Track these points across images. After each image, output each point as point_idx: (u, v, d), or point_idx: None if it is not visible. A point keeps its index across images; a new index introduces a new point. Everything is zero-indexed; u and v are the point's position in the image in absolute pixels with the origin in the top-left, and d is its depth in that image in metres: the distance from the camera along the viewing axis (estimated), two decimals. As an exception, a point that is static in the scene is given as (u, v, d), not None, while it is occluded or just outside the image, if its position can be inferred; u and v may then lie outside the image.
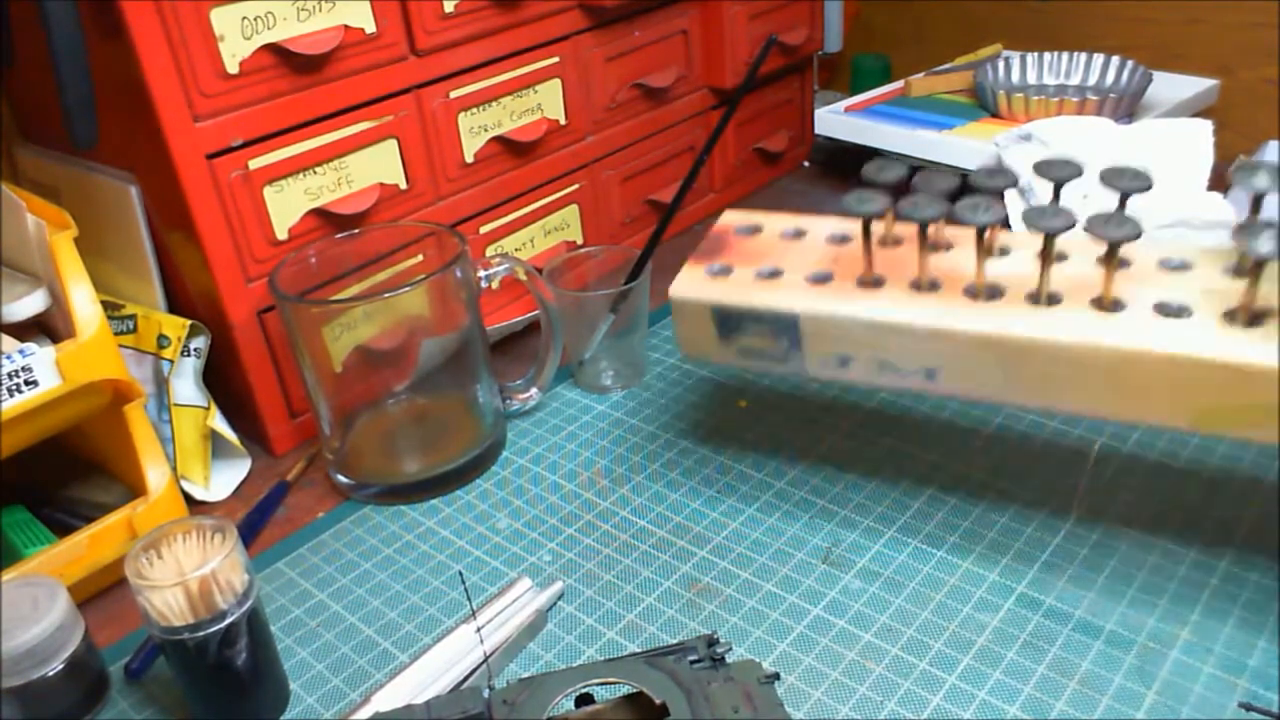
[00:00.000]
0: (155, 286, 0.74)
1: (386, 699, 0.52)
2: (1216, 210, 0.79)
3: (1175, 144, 0.83)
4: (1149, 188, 0.50)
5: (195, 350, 0.71)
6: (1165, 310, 0.48)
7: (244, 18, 0.65)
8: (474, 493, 0.70)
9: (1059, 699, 0.50)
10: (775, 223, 0.64)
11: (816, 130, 1.07)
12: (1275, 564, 0.57)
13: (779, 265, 0.58)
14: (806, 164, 1.19)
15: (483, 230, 0.85)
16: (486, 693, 0.45)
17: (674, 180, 0.99)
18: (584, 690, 0.46)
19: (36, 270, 0.65)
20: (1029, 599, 0.56)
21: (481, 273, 0.69)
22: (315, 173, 0.72)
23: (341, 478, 0.71)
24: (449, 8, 0.76)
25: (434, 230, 0.72)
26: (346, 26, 0.70)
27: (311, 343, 0.66)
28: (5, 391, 0.55)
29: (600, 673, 0.45)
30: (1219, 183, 0.82)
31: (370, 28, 0.71)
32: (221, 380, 0.74)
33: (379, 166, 0.75)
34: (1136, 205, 0.80)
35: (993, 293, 0.51)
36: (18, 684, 0.51)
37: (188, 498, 0.69)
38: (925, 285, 0.53)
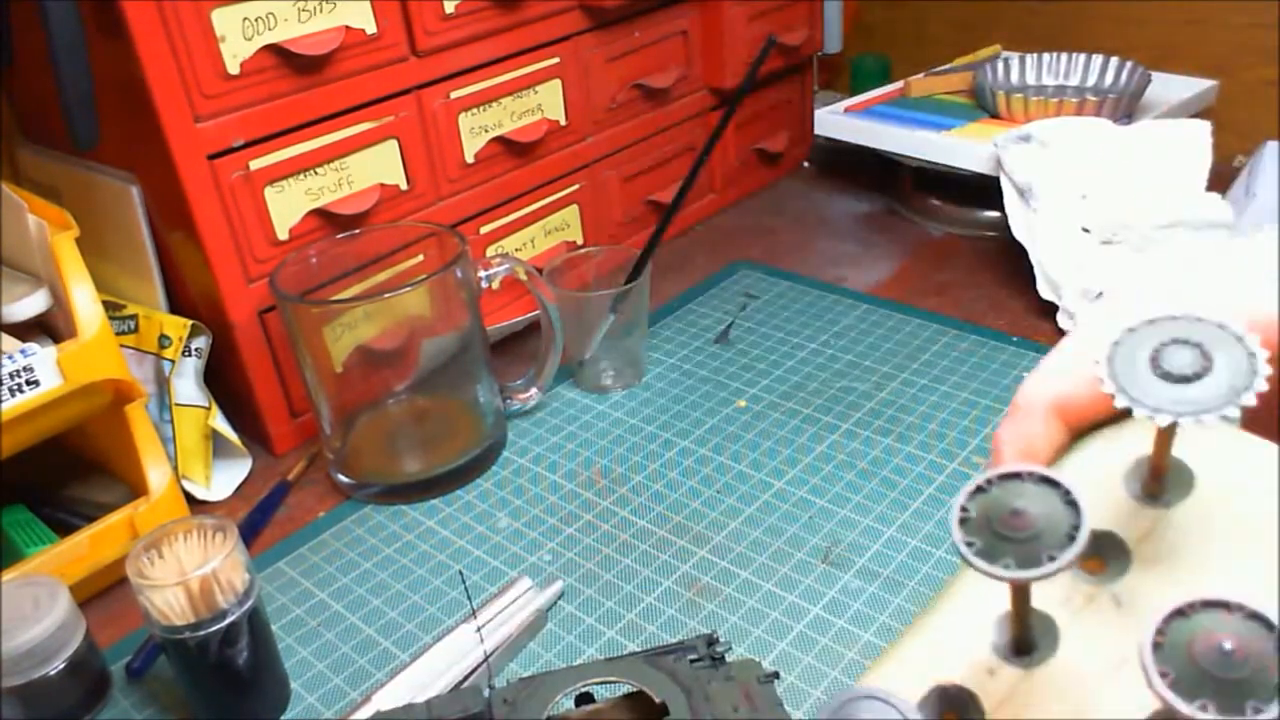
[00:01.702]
0: (156, 286, 0.74)
1: (387, 698, 0.53)
2: (1214, 211, 0.79)
3: (1173, 145, 0.83)
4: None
5: (196, 350, 0.71)
6: None
7: (245, 18, 0.65)
8: (474, 492, 0.70)
9: (1058, 698, 0.50)
10: None
11: (816, 131, 1.07)
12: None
13: None
14: (806, 164, 1.19)
15: (483, 230, 0.85)
16: (487, 692, 0.45)
17: (674, 180, 0.99)
18: (584, 689, 0.46)
19: (38, 270, 0.65)
20: (1028, 598, 0.56)
21: (482, 273, 0.69)
22: (316, 173, 0.72)
23: (342, 477, 0.71)
24: (449, 9, 0.76)
25: (434, 230, 0.72)
26: (347, 27, 0.70)
27: (312, 343, 0.66)
28: (7, 391, 0.56)
29: (600, 672, 0.45)
30: (1217, 183, 0.83)
31: (371, 28, 0.72)
32: (222, 380, 0.74)
33: (380, 167, 0.75)
34: (1135, 206, 0.81)
35: None
36: (19, 683, 0.51)
37: (189, 497, 0.69)
38: None
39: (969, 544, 0.21)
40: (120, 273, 0.76)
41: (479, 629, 0.56)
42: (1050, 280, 0.82)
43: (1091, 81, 1.05)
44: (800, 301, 0.89)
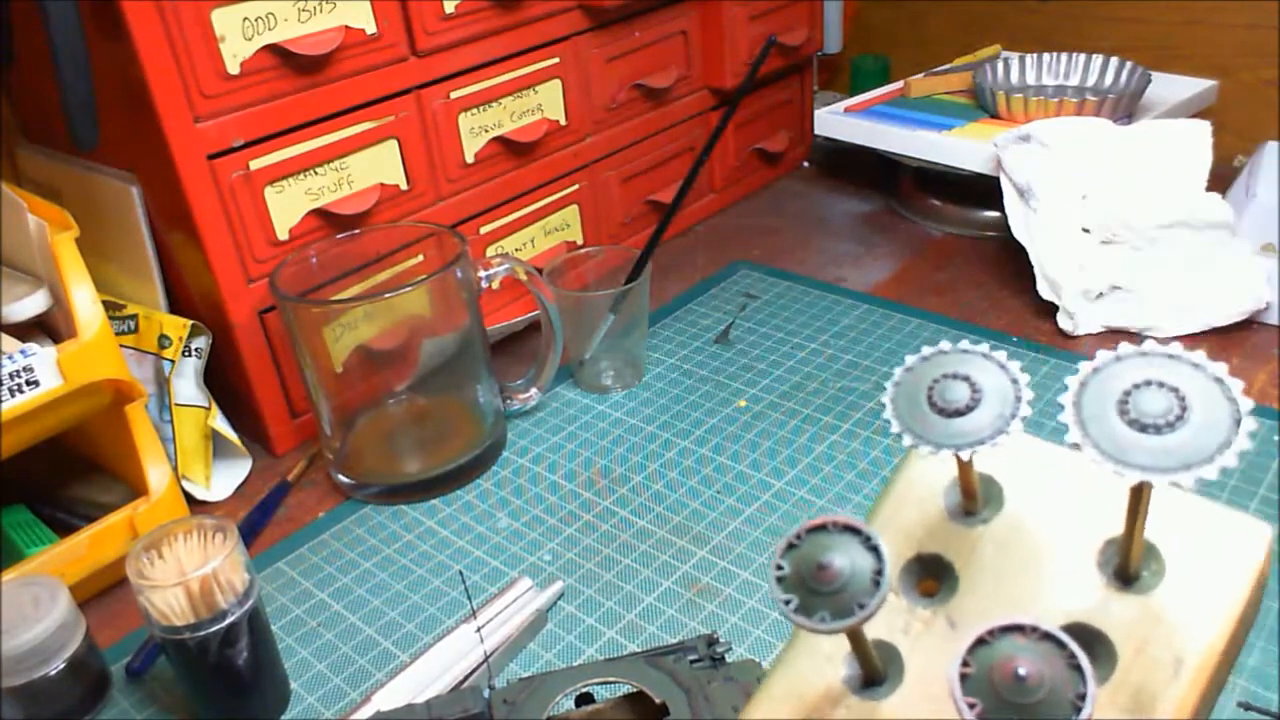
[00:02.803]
0: (156, 287, 0.74)
1: (387, 698, 0.53)
2: (1214, 211, 0.79)
3: (1174, 145, 0.83)
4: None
5: (196, 350, 0.71)
6: None
7: (245, 18, 0.65)
8: (474, 492, 0.70)
9: (1058, 698, 0.50)
10: None
11: (816, 131, 1.07)
12: (1273, 562, 0.57)
13: None
14: (806, 164, 1.19)
15: (483, 230, 0.85)
16: (487, 692, 0.45)
17: (674, 181, 1.00)
18: (584, 690, 0.46)
19: (38, 271, 0.65)
20: (1028, 599, 0.56)
21: (482, 273, 0.69)
22: (316, 173, 0.72)
23: (342, 477, 0.71)
24: (449, 8, 0.76)
25: (434, 230, 0.72)
26: (347, 27, 0.70)
27: (312, 343, 0.66)
28: (7, 391, 0.56)
29: (600, 672, 0.45)
30: (1217, 183, 0.83)
31: (371, 28, 0.72)
32: (222, 380, 0.74)
33: (380, 167, 0.75)
34: (1135, 206, 0.81)
35: None
36: (19, 683, 0.51)
37: (189, 497, 0.69)
38: None
39: (786, 601, 0.22)
40: (120, 273, 0.76)
41: (479, 629, 0.56)
42: (1050, 280, 0.82)
43: (1091, 81, 1.05)
44: (800, 301, 0.89)
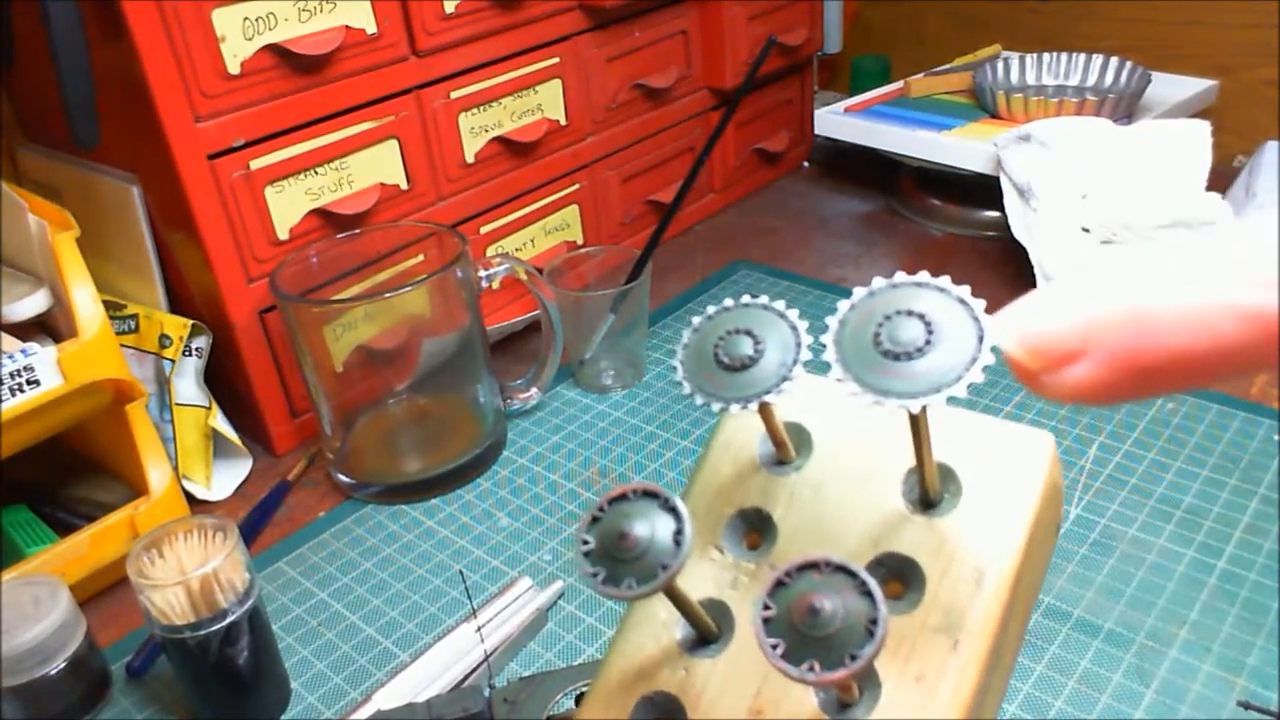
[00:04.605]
0: (157, 286, 0.74)
1: (387, 697, 0.53)
2: (1214, 211, 0.79)
3: (1173, 145, 0.83)
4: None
5: (197, 350, 0.71)
6: None
7: (245, 18, 0.65)
8: (474, 492, 0.70)
9: (1058, 698, 0.50)
10: None
11: (816, 131, 1.07)
12: (1274, 562, 0.57)
13: None
14: (806, 164, 1.19)
15: (483, 230, 0.85)
16: (487, 691, 0.45)
17: (674, 180, 0.99)
18: (584, 689, 0.46)
19: (38, 270, 0.65)
20: (1028, 598, 0.56)
21: (482, 272, 0.69)
22: (316, 173, 0.72)
23: (342, 477, 0.71)
24: (450, 8, 0.76)
25: (435, 230, 0.72)
26: (348, 27, 0.70)
27: (312, 342, 0.66)
28: (7, 391, 0.56)
29: (600, 671, 0.45)
30: (1217, 183, 0.83)
31: (371, 28, 0.72)
32: (223, 380, 0.74)
33: (380, 167, 0.75)
34: (1134, 206, 0.81)
35: None
36: (19, 683, 0.51)
37: (189, 497, 0.69)
38: None
39: (594, 574, 0.23)
40: (121, 273, 0.76)
41: (479, 628, 0.56)
42: (1050, 280, 0.82)
43: (1091, 81, 1.05)
44: (800, 302, 0.89)
